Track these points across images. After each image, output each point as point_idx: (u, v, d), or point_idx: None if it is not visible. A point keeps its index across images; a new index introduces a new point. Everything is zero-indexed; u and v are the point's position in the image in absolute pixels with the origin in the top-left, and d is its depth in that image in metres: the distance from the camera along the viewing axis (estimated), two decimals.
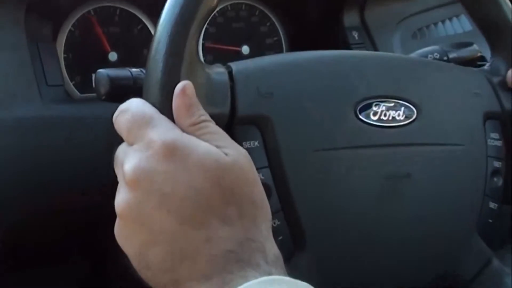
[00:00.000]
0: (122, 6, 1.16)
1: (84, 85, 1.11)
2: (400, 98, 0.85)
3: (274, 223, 0.78)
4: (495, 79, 0.94)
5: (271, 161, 0.79)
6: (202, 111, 0.69)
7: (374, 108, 0.83)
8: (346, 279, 0.83)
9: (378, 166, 0.82)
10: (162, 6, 0.72)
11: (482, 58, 1.06)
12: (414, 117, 0.85)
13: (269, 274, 0.61)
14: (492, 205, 0.90)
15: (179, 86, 0.68)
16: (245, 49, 1.23)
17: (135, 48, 1.15)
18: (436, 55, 1.00)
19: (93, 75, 0.81)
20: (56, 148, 0.98)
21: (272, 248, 0.64)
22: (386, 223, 0.83)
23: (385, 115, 0.83)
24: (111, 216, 0.66)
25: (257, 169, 0.70)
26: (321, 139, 0.80)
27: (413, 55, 1.03)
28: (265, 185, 0.75)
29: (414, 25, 1.31)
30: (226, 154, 0.65)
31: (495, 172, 0.91)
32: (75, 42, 1.12)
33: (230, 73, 0.78)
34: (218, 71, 0.78)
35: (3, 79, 0.98)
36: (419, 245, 0.86)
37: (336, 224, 0.81)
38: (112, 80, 0.80)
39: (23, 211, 0.99)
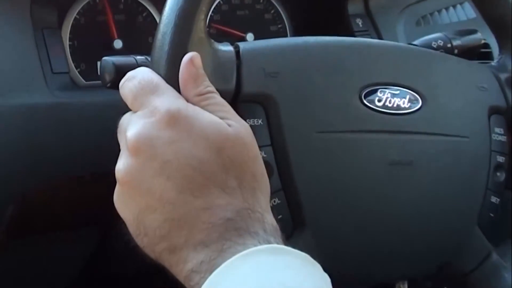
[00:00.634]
0: None
1: (89, 72, 1.11)
2: (406, 87, 0.85)
3: (274, 202, 0.78)
4: (502, 76, 0.94)
5: (274, 140, 0.79)
6: (208, 82, 0.69)
7: (379, 94, 0.83)
8: (344, 262, 0.83)
9: (380, 152, 0.83)
10: None
11: (486, 46, 1.07)
12: (419, 106, 0.85)
13: (268, 242, 0.61)
14: (494, 199, 0.91)
15: (187, 57, 0.69)
16: (250, 36, 1.23)
17: (140, 35, 1.16)
18: (440, 43, 1.00)
19: (98, 63, 0.81)
20: (61, 134, 0.98)
21: (271, 220, 0.65)
22: (386, 209, 0.84)
23: (390, 102, 0.83)
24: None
25: (259, 147, 0.71)
26: (324, 121, 0.81)
27: (417, 42, 1.03)
28: (266, 164, 0.75)
29: (418, 12, 1.31)
30: (229, 126, 0.66)
31: (498, 166, 0.91)
32: (80, 29, 1.12)
33: (237, 52, 0.79)
34: (225, 48, 0.78)
35: (9, 67, 0.99)
36: (419, 233, 0.86)
37: (336, 205, 0.81)
38: (117, 67, 0.80)
39: (33, 183, 1.00)
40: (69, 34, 1.11)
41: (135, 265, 0.66)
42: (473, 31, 1.05)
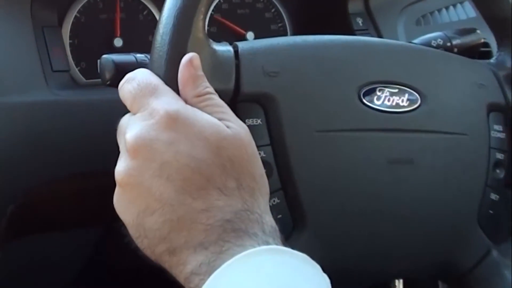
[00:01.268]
0: None
1: (90, 70, 1.12)
2: (405, 85, 0.85)
3: (274, 201, 0.78)
4: (501, 73, 0.94)
5: (273, 140, 0.79)
6: (206, 83, 0.69)
7: (378, 93, 0.83)
8: (343, 260, 0.83)
9: (380, 150, 0.83)
10: None
11: (486, 45, 1.07)
12: (418, 104, 0.85)
13: (267, 243, 0.61)
14: (493, 196, 0.90)
15: (186, 57, 0.69)
16: (250, 35, 1.23)
17: (141, 34, 1.16)
18: (440, 41, 1.00)
19: (99, 61, 0.81)
20: (61, 132, 0.98)
21: (270, 221, 0.65)
22: (386, 207, 0.84)
23: (388, 100, 0.84)
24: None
25: (259, 146, 0.71)
26: (324, 120, 0.81)
27: (417, 41, 1.03)
28: (266, 163, 0.76)
29: (418, 11, 1.31)
30: (227, 127, 0.66)
31: (498, 163, 0.91)
32: (81, 28, 1.13)
33: (236, 51, 0.79)
34: (224, 48, 0.78)
35: (9, 65, 0.99)
36: (419, 231, 0.86)
37: (336, 205, 0.81)
38: (117, 65, 0.80)
39: (34, 182, 1.00)
40: (70, 32, 1.11)
41: (136, 264, 0.66)
42: (473, 30, 1.05)
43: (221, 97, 0.70)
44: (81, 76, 1.11)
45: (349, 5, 1.25)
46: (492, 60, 0.97)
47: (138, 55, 0.82)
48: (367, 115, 0.82)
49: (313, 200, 0.80)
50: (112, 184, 0.67)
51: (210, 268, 0.60)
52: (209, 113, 0.67)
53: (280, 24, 1.28)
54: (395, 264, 0.87)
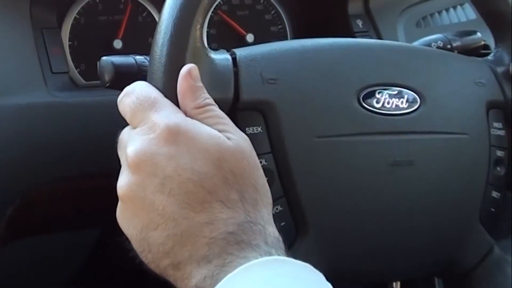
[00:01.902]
0: None
1: (89, 72, 1.11)
2: (404, 86, 0.85)
3: (277, 209, 0.78)
4: (499, 69, 0.94)
5: (274, 147, 0.79)
6: (206, 94, 0.69)
7: (377, 96, 0.83)
8: (348, 265, 0.84)
9: (381, 153, 0.83)
10: None
11: (486, 47, 1.06)
12: (417, 105, 0.85)
13: (270, 254, 0.61)
14: (495, 194, 0.91)
15: (184, 69, 0.69)
16: (250, 37, 1.22)
17: (140, 35, 1.15)
18: (440, 44, 1.00)
19: (98, 63, 0.81)
20: (60, 134, 0.98)
21: (273, 232, 0.65)
22: (388, 210, 0.84)
23: (388, 103, 0.83)
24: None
25: (260, 154, 0.71)
26: (324, 125, 0.81)
27: (417, 43, 1.03)
28: (268, 171, 0.76)
29: (418, 13, 1.31)
30: (228, 139, 0.66)
31: (498, 161, 0.91)
32: (80, 29, 1.12)
33: (234, 59, 0.79)
34: (222, 56, 0.78)
35: (8, 67, 0.99)
36: (421, 232, 0.86)
37: (339, 209, 0.81)
38: (116, 67, 0.80)
39: (33, 184, 1.00)
40: (69, 34, 1.11)
41: (135, 265, 0.66)
42: (473, 32, 1.05)
43: (220, 106, 0.70)
44: (80, 77, 1.11)
45: (349, 7, 1.25)
46: (490, 57, 0.97)
47: (138, 57, 0.81)
48: (367, 119, 0.82)
49: (315, 205, 0.80)
50: (111, 185, 0.67)
51: (213, 281, 0.60)
52: (209, 125, 0.66)
53: (280, 26, 1.28)
54: (398, 265, 0.87)
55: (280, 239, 0.65)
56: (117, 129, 0.70)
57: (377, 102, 0.83)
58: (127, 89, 0.70)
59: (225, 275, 0.59)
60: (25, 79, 0.99)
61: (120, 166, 0.68)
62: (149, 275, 0.65)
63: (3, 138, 0.96)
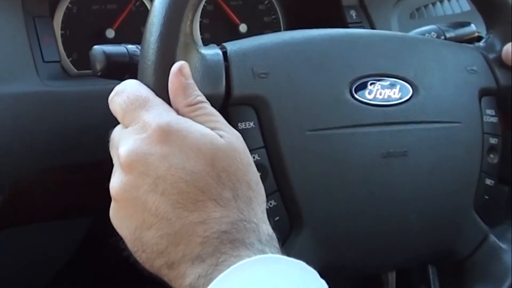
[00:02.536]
0: None
1: (81, 61, 1.11)
2: (396, 76, 0.85)
3: (271, 204, 0.78)
4: (491, 56, 0.94)
5: (267, 142, 0.79)
6: (198, 91, 0.69)
7: (370, 87, 0.83)
8: (343, 258, 0.84)
9: (374, 145, 0.83)
10: None
11: (480, 38, 1.06)
12: (410, 95, 0.85)
13: (263, 253, 0.61)
14: (489, 181, 0.91)
15: (175, 66, 0.68)
16: (243, 27, 1.22)
17: (133, 25, 1.15)
18: (433, 35, 1.00)
19: (90, 52, 0.81)
20: (52, 123, 0.98)
21: (267, 229, 0.64)
22: (383, 201, 0.84)
23: (380, 94, 0.83)
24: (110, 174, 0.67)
25: (253, 150, 0.71)
26: (317, 119, 0.81)
27: (410, 34, 1.02)
28: (261, 166, 0.76)
29: (412, 4, 1.30)
30: (220, 136, 0.65)
31: (491, 148, 0.91)
32: (72, 18, 1.12)
33: (224, 53, 0.78)
34: (212, 51, 0.78)
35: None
36: (416, 223, 0.86)
37: (333, 202, 0.81)
38: (108, 56, 0.80)
39: (23, 173, 1.00)
40: (61, 23, 1.10)
41: (126, 255, 0.66)
42: (467, 24, 1.05)
43: (212, 102, 0.70)
44: (72, 67, 1.10)
45: None
46: (481, 43, 0.97)
47: (129, 46, 0.81)
48: (360, 111, 0.82)
49: (309, 199, 0.80)
50: (101, 176, 0.67)
51: (207, 280, 0.60)
52: (201, 123, 0.66)
53: (273, 17, 1.27)
54: (393, 256, 0.88)
55: (274, 236, 0.65)
56: (109, 119, 0.69)
57: (369, 93, 0.83)
58: (118, 88, 0.69)
59: (219, 274, 0.59)
60: (16, 67, 0.99)
61: (111, 157, 0.68)
62: (140, 270, 0.65)
63: None
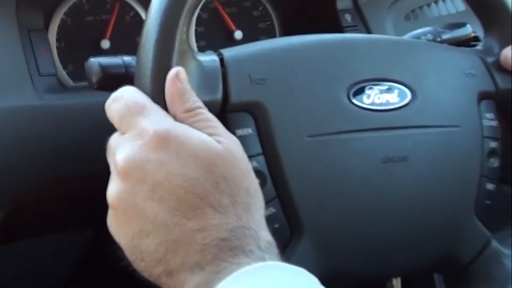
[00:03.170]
0: None
1: (77, 73, 1.10)
2: (393, 81, 0.85)
3: (270, 211, 0.78)
4: (489, 59, 0.93)
5: (265, 148, 0.79)
6: (195, 97, 0.69)
7: (367, 92, 0.83)
8: (344, 265, 0.83)
9: (373, 150, 0.82)
10: None
11: (476, 38, 1.06)
12: (408, 99, 0.85)
13: (263, 260, 0.60)
14: (490, 186, 0.90)
15: (172, 72, 0.68)
16: (238, 34, 1.22)
17: (128, 35, 1.15)
18: (429, 37, 1.00)
19: (85, 64, 0.81)
20: (49, 136, 0.97)
21: (266, 236, 0.64)
22: (383, 207, 0.83)
23: (378, 98, 0.83)
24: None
25: (251, 156, 0.71)
26: (315, 124, 0.80)
27: (406, 37, 1.02)
28: (259, 173, 0.76)
29: (407, 6, 1.30)
30: (218, 142, 0.65)
31: (492, 152, 0.90)
32: (67, 30, 1.12)
33: (221, 59, 0.78)
34: (209, 58, 0.78)
35: None
36: (417, 228, 0.86)
37: (332, 208, 0.81)
38: (104, 68, 0.80)
39: (22, 187, 0.99)
40: (56, 35, 1.10)
41: (128, 266, 0.66)
42: (463, 24, 1.05)
43: (209, 108, 0.69)
44: (68, 79, 1.10)
45: (337, 2, 1.24)
46: (479, 47, 0.97)
47: (125, 58, 0.81)
48: (358, 116, 0.82)
49: (308, 205, 0.80)
50: (100, 187, 0.67)
51: None
52: (199, 129, 0.66)
53: (268, 23, 1.27)
54: (394, 263, 0.87)
55: (273, 243, 0.64)
56: (106, 131, 0.69)
57: (367, 98, 0.83)
58: (115, 94, 0.69)
59: (219, 282, 0.59)
60: (12, 81, 0.98)
61: (109, 168, 0.67)
62: (141, 279, 0.65)
63: None
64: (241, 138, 0.69)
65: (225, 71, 0.78)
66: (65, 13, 1.11)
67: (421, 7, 1.32)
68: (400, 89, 0.85)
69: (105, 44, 1.12)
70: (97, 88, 0.80)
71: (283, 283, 0.59)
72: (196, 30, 1.20)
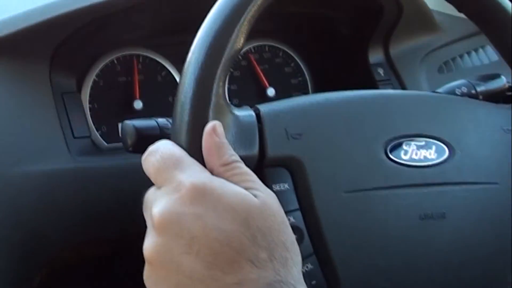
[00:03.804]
0: (145, 54, 1.16)
1: (111, 134, 1.11)
2: (431, 137, 0.84)
3: (307, 267, 0.77)
4: None
5: (302, 204, 0.78)
6: (231, 151, 0.68)
7: (405, 147, 0.82)
8: None
9: (410, 207, 0.81)
10: (185, 53, 0.72)
11: (511, 89, 1.05)
12: (446, 155, 0.84)
13: None
14: None
15: (209, 126, 0.68)
16: (271, 91, 1.22)
17: (160, 95, 1.15)
18: (464, 89, 0.99)
19: (119, 124, 0.81)
20: (84, 199, 0.97)
21: None
22: (420, 264, 0.82)
23: (416, 154, 0.82)
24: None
25: (288, 212, 0.70)
26: (352, 180, 0.80)
27: (441, 90, 1.02)
28: (296, 229, 0.75)
29: (440, 58, 1.30)
30: (255, 196, 0.64)
31: None
32: (99, 91, 1.13)
33: (258, 115, 0.78)
34: (246, 113, 0.77)
35: (30, 133, 0.99)
36: (454, 285, 0.84)
37: (370, 264, 0.80)
38: (138, 131, 0.80)
39: (58, 250, 1.00)
40: (89, 97, 1.11)
41: None
42: (497, 75, 1.04)
43: (246, 163, 0.69)
44: (102, 140, 1.10)
45: (369, 56, 1.24)
46: None
47: (160, 120, 0.81)
48: (395, 172, 0.81)
49: (346, 262, 0.79)
50: (135, 250, 0.66)
51: None
52: (236, 182, 0.65)
53: (300, 78, 1.27)
54: None
55: None
56: (141, 193, 0.69)
57: (405, 154, 0.82)
58: (151, 148, 0.69)
59: None
60: (47, 145, 0.99)
61: (145, 230, 0.67)
62: None
63: (27, 205, 0.96)
64: (278, 194, 0.68)
65: (262, 126, 0.77)
66: (97, 75, 1.12)
67: (453, 59, 1.32)
68: (437, 145, 0.84)
69: (138, 104, 1.13)
70: (132, 151, 0.81)
71: None
72: (229, 88, 1.21)
